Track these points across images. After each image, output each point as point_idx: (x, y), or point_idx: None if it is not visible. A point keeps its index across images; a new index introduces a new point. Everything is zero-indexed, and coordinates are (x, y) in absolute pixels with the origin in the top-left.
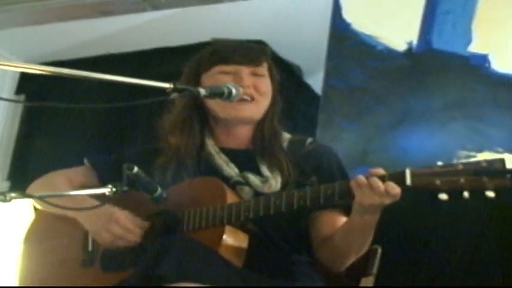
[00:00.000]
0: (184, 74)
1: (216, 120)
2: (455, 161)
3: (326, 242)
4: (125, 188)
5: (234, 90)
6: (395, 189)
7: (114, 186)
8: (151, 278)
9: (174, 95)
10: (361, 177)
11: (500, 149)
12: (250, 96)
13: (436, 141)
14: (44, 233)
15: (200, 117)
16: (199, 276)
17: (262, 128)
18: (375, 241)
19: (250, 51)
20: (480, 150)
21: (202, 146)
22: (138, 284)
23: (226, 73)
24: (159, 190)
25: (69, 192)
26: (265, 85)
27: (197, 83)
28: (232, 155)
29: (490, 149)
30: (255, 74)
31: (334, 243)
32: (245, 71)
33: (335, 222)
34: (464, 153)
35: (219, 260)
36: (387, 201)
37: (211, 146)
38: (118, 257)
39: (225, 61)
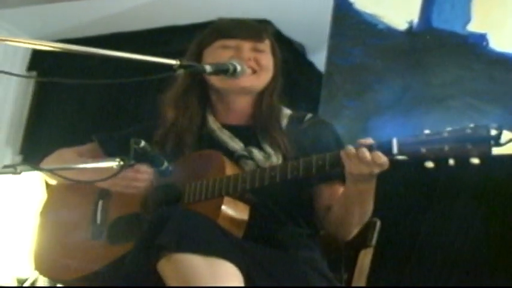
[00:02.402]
0: (189, 51)
1: (216, 94)
2: None
3: (329, 213)
4: (132, 162)
5: (238, 67)
6: (382, 158)
7: (122, 160)
8: (151, 248)
9: (180, 72)
10: (350, 148)
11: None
12: (252, 69)
13: (433, 117)
14: (57, 205)
15: (200, 93)
16: (198, 246)
17: (261, 102)
18: (374, 214)
19: (251, 28)
20: None
21: (203, 121)
22: (139, 254)
23: (228, 47)
24: (166, 163)
25: (78, 165)
26: (266, 59)
27: (199, 58)
28: (235, 130)
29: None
30: (255, 49)
31: (336, 213)
32: (246, 45)
33: (335, 193)
34: None
35: (218, 231)
36: (376, 170)
37: (212, 122)
38: (123, 229)
39: (227, 36)
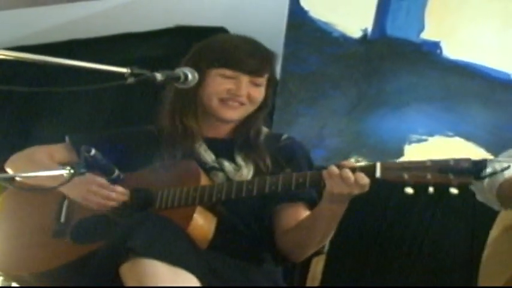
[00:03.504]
0: (193, 58)
1: (204, 111)
2: (406, 145)
3: (289, 233)
4: (83, 170)
5: (190, 76)
6: (364, 179)
7: (72, 168)
8: (121, 250)
9: (131, 80)
10: (333, 168)
11: (450, 133)
12: (240, 103)
13: (388, 125)
14: (17, 204)
15: (190, 105)
16: (166, 254)
17: (248, 126)
18: None
19: (255, 60)
20: (431, 134)
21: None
22: (108, 254)
23: (227, 77)
24: (116, 172)
25: (30, 173)
26: (259, 94)
27: (203, 75)
28: (211, 143)
29: (441, 133)
30: (252, 83)
31: (298, 233)
32: (245, 79)
33: (298, 215)
34: (415, 137)
35: (187, 241)
36: (356, 191)
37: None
38: (89, 230)
39: (228, 66)
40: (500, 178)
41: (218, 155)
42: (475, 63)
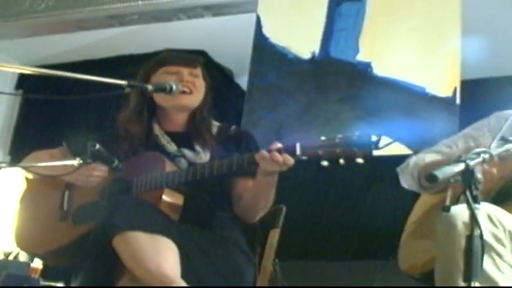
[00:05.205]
0: (138, 77)
1: (162, 109)
2: None
3: (240, 199)
4: (89, 161)
5: (174, 86)
6: (291, 160)
7: (81, 159)
8: (108, 227)
9: (128, 90)
10: (264, 152)
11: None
12: (189, 89)
13: (331, 127)
14: (33, 194)
15: (149, 109)
16: (144, 226)
17: (194, 116)
18: (282, 202)
19: (188, 57)
20: None
21: (150, 129)
22: (99, 232)
23: (170, 73)
24: (116, 162)
25: (46, 163)
26: (199, 82)
27: (147, 82)
28: (173, 136)
29: (373, 134)
30: (192, 74)
31: (246, 200)
32: (185, 71)
33: (247, 185)
34: None
35: (160, 214)
36: (284, 168)
37: (157, 129)
38: (85, 213)
39: (170, 63)
40: (421, 162)
41: (179, 145)
42: (399, 79)
